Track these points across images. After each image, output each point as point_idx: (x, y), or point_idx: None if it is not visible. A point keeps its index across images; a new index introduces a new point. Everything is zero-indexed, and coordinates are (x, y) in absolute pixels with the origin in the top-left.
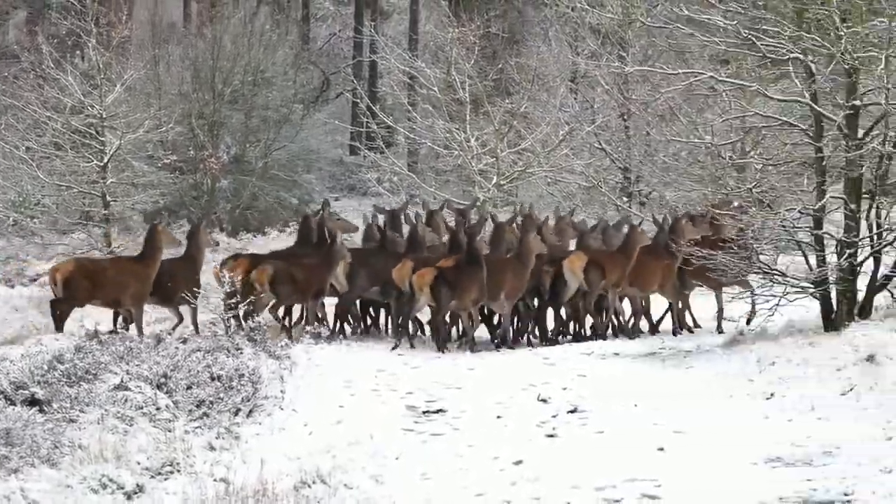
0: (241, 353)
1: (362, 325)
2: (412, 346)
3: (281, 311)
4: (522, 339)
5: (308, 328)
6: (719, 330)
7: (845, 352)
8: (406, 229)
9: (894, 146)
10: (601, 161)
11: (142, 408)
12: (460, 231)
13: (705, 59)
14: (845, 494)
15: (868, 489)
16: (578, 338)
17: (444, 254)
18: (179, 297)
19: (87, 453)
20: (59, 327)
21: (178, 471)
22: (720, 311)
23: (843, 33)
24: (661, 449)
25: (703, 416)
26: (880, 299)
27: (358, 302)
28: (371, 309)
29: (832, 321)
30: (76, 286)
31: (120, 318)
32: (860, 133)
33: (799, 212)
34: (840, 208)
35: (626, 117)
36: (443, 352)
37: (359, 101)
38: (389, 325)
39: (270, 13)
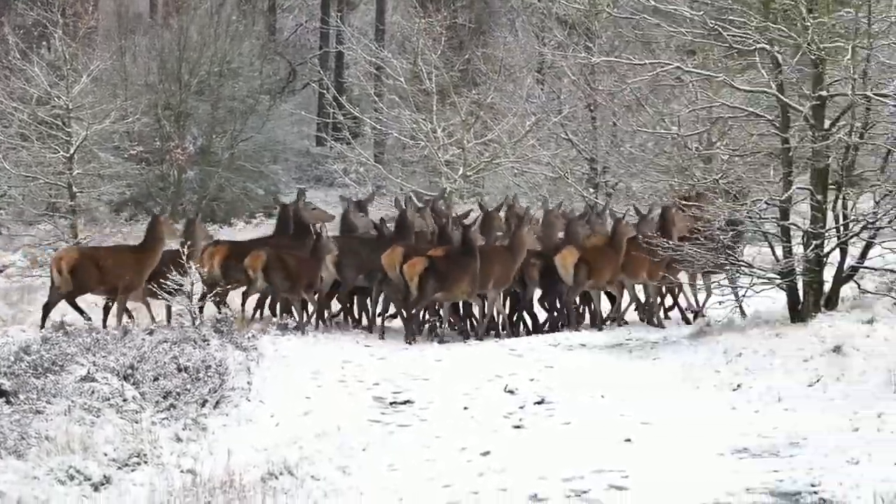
0: (208, 344)
1: (351, 315)
2: (381, 338)
3: (250, 303)
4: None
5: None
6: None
7: (812, 343)
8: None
9: (860, 137)
10: (568, 152)
11: (108, 399)
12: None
13: (672, 49)
14: (812, 485)
15: (835, 480)
16: (553, 328)
17: (431, 242)
18: (146, 289)
19: (53, 444)
20: (45, 322)
21: (146, 462)
22: (706, 297)
23: (809, 24)
24: (629, 440)
25: (669, 408)
26: (847, 290)
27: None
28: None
29: (799, 312)
30: (84, 273)
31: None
32: (826, 124)
33: (765, 202)
34: (806, 199)
35: (592, 108)
36: (410, 343)
37: (325, 91)
38: (361, 317)
39: (237, 3)
